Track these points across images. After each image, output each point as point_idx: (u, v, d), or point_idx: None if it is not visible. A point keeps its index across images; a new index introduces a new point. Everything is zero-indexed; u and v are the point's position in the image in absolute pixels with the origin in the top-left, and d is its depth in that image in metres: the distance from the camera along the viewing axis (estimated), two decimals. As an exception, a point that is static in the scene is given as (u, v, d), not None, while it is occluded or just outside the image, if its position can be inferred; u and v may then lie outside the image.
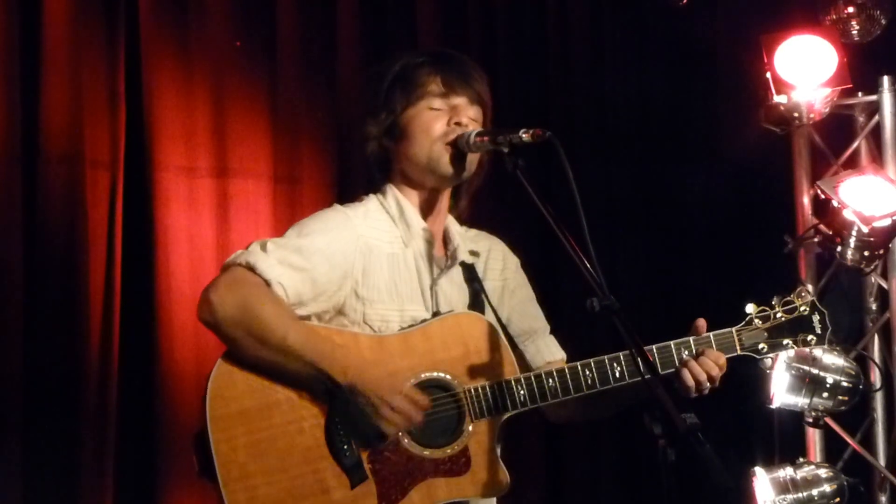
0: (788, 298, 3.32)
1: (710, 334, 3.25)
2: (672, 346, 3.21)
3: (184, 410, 4.51)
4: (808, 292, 3.35)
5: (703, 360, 3.17)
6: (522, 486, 3.21)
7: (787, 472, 5.00)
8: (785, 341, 3.30)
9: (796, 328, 3.31)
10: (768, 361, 3.32)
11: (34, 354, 4.34)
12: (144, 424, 4.53)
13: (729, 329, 3.27)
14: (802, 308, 3.32)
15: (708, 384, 3.17)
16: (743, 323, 3.29)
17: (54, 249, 4.41)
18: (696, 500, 2.95)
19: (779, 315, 3.30)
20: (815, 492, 4.98)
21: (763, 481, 4.99)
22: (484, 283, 3.31)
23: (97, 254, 4.47)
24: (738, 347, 3.27)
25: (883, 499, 5.26)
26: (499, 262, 3.40)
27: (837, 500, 5.00)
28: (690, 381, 3.15)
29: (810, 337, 3.31)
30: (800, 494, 4.96)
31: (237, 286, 3.03)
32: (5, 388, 4.29)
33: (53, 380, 4.36)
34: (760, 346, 3.28)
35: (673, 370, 3.18)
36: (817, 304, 3.34)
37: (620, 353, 3.17)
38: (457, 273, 3.28)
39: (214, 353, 4.46)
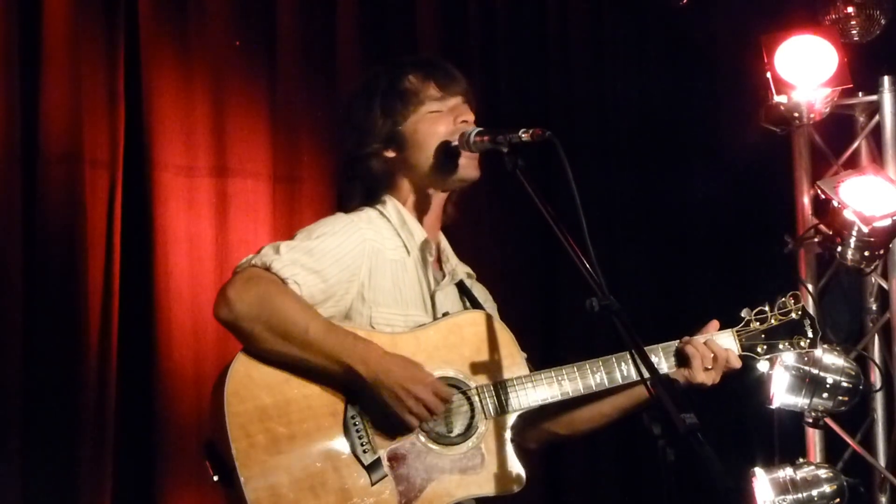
0: (781, 302, 3.38)
1: (711, 334, 3.30)
2: (675, 344, 3.27)
3: (182, 410, 4.52)
4: (799, 297, 3.41)
5: (708, 342, 3.25)
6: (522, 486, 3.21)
7: (786, 472, 5.00)
8: (781, 343, 3.36)
9: (791, 331, 3.38)
10: (765, 365, 3.36)
11: (33, 354, 4.35)
12: (143, 424, 4.53)
13: (728, 330, 3.33)
14: (795, 313, 3.38)
15: (711, 364, 3.22)
16: (741, 325, 3.34)
17: (53, 249, 4.41)
18: (696, 501, 2.95)
19: (773, 319, 3.36)
20: (814, 492, 4.98)
21: (763, 482, 4.98)
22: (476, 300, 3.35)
23: (96, 253, 4.47)
24: (738, 348, 3.32)
25: (883, 499, 5.26)
26: (482, 294, 3.43)
27: (837, 500, 5.00)
28: (696, 363, 3.20)
29: (804, 341, 3.38)
30: (800, 495, 4.95)
31: (254, 282, 3.03)
32: (5, 387, 4.29)
33: (52, 379, 4.37)
34: (759, 347, 3.34)
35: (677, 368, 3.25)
36: (807, 309, 3.41)
37: (627, 353, 3.17)
38: (452, 289, 3.32)
39: (213, 352, 4.52)
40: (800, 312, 3.38)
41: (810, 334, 3.38)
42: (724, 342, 3.29)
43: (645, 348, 3.04)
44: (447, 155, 3.21)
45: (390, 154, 3.26)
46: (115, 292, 4.49)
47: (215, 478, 3.04)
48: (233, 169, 4.80)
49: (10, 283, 4.33)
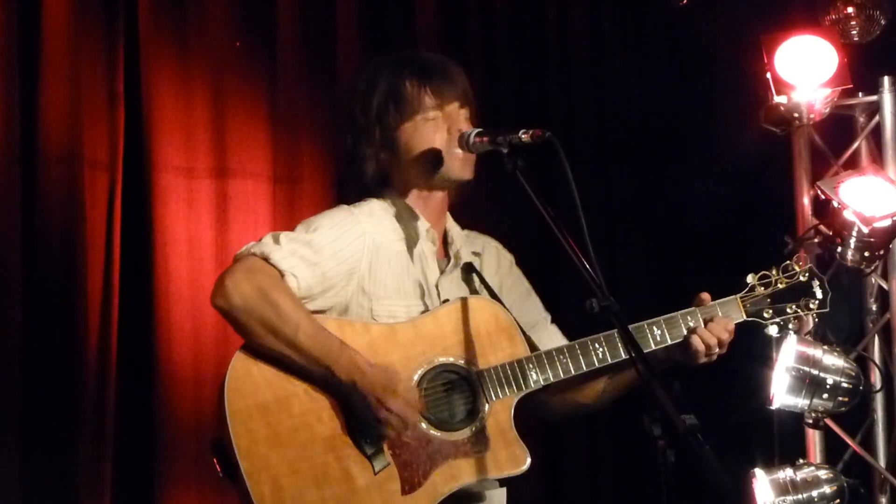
0: (787, 264, 3.37)
1: (715, 303, 3.31)
2: (679, 316, 3.27)
3: (182, 410, 4.52)
4: (806, 259, 3.38)
5: (711, 325, 3.24)
6: (520, 487, 3.22)
7: (786, 473, 4.99)
8: (788, 307, 3.34)
9: (798, 294, 3.36)
10: (773, 329, 3.34)
11: (33, 354, 4.35)
12: (142, 425, 4.53)
13: (733, 297, 3.32)
14: (802, 275, 3.36)
15: (717, 349, 3.23)
16: (746, 290, 3.34)
17: (53, 250, 4.41)
18: (696, 502, 2.95)
19: (779, 282, 3.35)
20: (814, 493, 4.97)
21: (763, 482, 4.98)
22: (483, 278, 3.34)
23: (96, 254, 4.47)
24: (743, 314, 3.31)
25: (883, 500, 5.25)
26: (493, 262, 3.44)
27: (837, 501, 4.99)
28: (700, 345, 3.21)
29: (813, 302, 3.36)
30: (799, 496, 4.94)
31: (252, 274, 3.06)
32: (4, 387, 4.29)
33: (52, 380, 4.37)
34: (765, 311, 3.33)
35: (681, 340, 3.24)
36: (815, 269, 3.39)
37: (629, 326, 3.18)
38: (457, 273, 3.32)
39: (213, 353, 4.52)
40: (807, 274, 3.36)
41: (819, 295, 3.36)
42: (728, 309, 3.29)
43: (647, 322, 3.16)
44: (433, 163, 3.22)
45: (384, 157, 3.28)
46: (115, 293, 4.49)
47: (222, 474, 3.06)
48: (233, 170, 4.79)
49: (10, 283, 4.33)
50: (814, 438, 5.25)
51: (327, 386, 3.06)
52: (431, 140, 3.23)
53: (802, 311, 3.35)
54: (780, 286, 3.34)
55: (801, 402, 4.99)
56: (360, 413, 3.05)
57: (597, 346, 3.20)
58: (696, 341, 3.21)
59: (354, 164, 3.30)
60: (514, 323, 3.26)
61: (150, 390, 4.54)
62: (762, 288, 3.33)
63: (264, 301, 3.04)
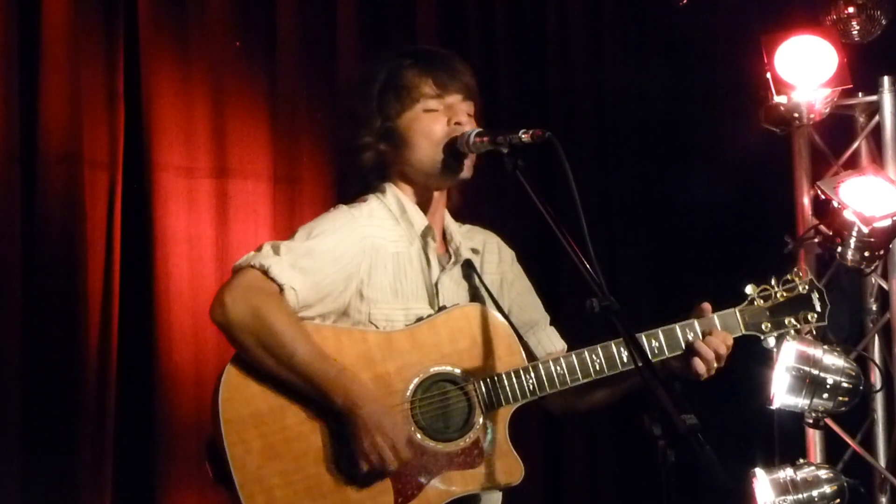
0: (787, 278, 3.35)
1: (714, 315, 3.27)
2: (677, 328, 3.24)
3: (182, 410, 4.52)
4: (806, 271, 3.38)
5: (709, 339, 3.21)
6: (520, 488, 3.21)
7: (787, 473, 4.99)
8: (787, 320, 3.32)
9: (797, 307, 3.34)
10: (771, 341, 3.33)
11: (33, 354, 4.35)
12: (143, 425, 4.53)
13: (731, 309, 3.30)
14: (801, 287, 3.35)
15: (716, 364, 3.20)
16: (745, 303, 3.32)
17: (53, 250, 4.41)
18: (697, 502, 2.95)
19: (779, 294, 3.33)
20: (815, 493, 4.97)
21: (763, 482, 4.98)
22: (482, 278, 3.32)
23: (96, 254, 4.47)
24: (741, 327, 3.29)
25: (883, 500, 5.25)
26: (494, 256, 3.41)
27: (837, 501, 4.99)
28: (700, 364, 3.19)
29: (811, 315, 3.34)
30: (800, 495, 4.95)
31: (251, 292, 3.03)
32: (5, 387, 4.29)
33: (52, 380, 4.37)
34: (764, 325, 3.31)
35: (679, 352, 3.22)
36: (815, 282, 3.38)
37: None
38: (457, 270, 3.30)
39: (213, 353, 4.52)
40: (806, 287, 3.34)
41: (818, 308, 3.34)
42: (727, 322, 3.26)
43: (645, 333, 3.13)
44: (454, 156, 3.20)
45: (383, 148, 3.25)
46: (115, 293, 4.49)
47: (215, 479, 3.05)
48: (233, 170, 4.80)
49: (10, 283, 4.33)
50: (814, 438, 5.25)
51: (321, 406, 3.04)
52: (431, 131, 3.20)
53: (801, 323, 3.33)
54: (779, 298, 3.33)
55: (801, 402, 4.99)
56: (349, 440, 3.02)
57: (594, 356, 3.18)
58: (695, 358, 3.19)
59: (353, 155, 3.28)
60: (512, 332, 3.23)
61: (151, 390, 4.54)
62: (761, 301, 3.32)
63: (261, 322, 3.00)
